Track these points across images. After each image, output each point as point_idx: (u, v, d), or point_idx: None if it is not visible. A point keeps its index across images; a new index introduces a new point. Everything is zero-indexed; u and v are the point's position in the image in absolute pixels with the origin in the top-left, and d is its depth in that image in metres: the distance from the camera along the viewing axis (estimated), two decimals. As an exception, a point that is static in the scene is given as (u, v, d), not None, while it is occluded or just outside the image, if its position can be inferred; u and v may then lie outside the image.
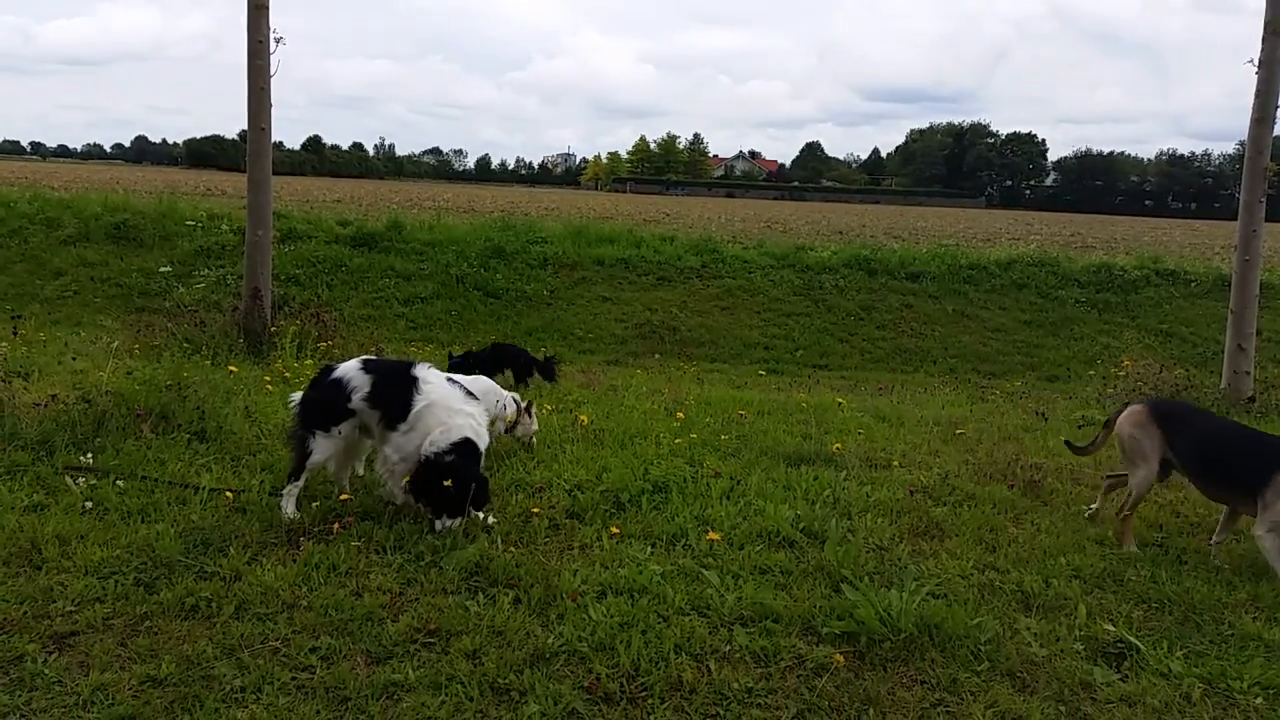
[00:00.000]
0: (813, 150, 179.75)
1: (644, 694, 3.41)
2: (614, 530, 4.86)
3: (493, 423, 5.92)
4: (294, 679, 3.38)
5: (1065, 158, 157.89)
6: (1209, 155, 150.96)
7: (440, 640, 3.70)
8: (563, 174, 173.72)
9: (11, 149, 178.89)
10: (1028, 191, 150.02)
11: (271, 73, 9.94)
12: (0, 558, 4.16)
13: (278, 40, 9.91)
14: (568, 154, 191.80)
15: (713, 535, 4.81)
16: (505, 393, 6.58)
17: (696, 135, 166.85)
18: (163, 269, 16.64)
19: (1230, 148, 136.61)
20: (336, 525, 4.68)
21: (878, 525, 5.23)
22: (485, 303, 17.23)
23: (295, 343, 9.55)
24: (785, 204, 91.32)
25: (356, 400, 4.94)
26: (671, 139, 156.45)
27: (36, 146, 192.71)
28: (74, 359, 8.68)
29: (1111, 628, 4.08)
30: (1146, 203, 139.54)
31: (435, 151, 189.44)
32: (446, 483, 4.60)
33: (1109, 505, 5.67)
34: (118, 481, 5.08)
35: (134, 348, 9.07)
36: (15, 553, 4.21)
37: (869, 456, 6.85)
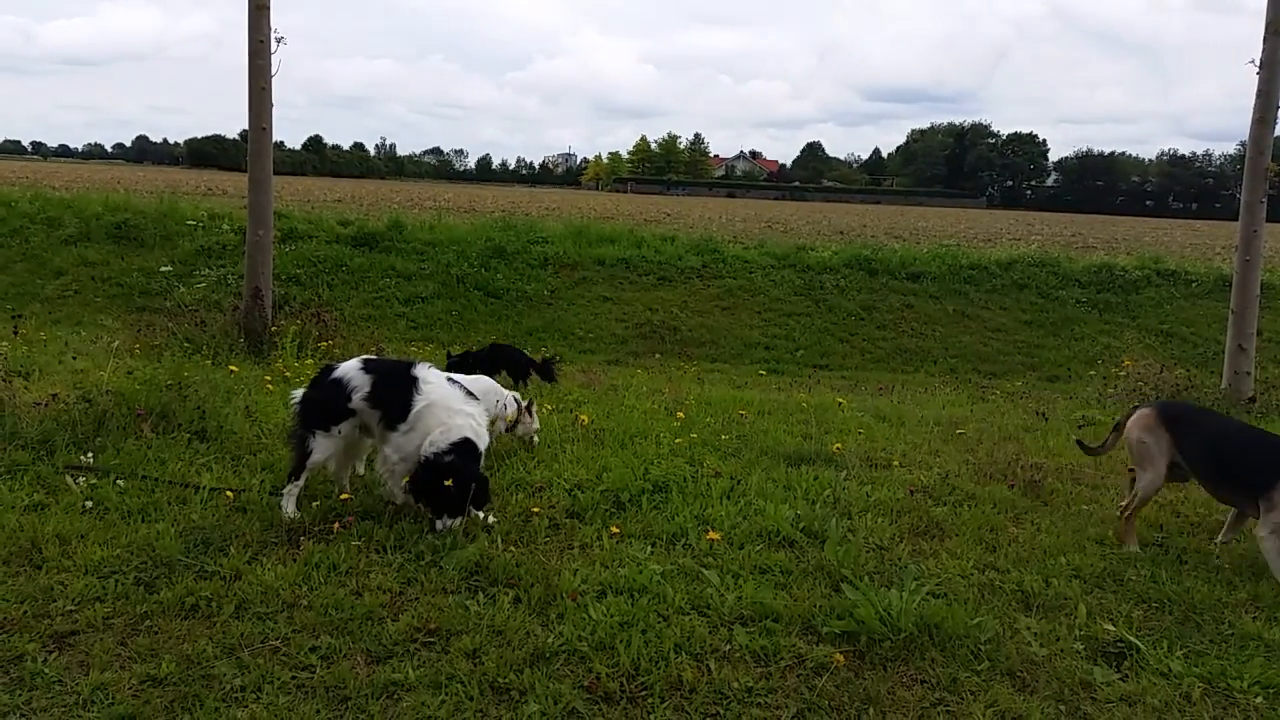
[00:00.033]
0: (813, 150, 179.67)
1: (644, 693, 3.41)
2: (614, 530, 4.86)
3: (493, 422, 5.92)
4: (294, 678, 3.38)
5: (1066, 158, 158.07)
6: (1210, 155, 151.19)
7: (440, 640, 3.70)
8: (563, 174, 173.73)
9: (12, 149, 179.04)
10: (1029, 192, 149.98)
11: (272, 72, 9.95)
12: (0, 557, 4.17)
13: (279, 40, 9.94)
14: (568, 154, 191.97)
15: (713, 535, 4.81)
16: (506, 392, 6.58)
17: (697, 135, 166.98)
18: (163, 269, 16.65)
19: (1231, 148, 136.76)
20: (337, 525, 4.68)
21: (878, 525, 5.23)
22: (486, 303, 17.24)
23: (296, 342, 9.56)
24: (786, 204, 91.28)
25: (357, 400, 4.94)
26: (672, 139, 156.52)
27: (37, 146, 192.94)
28: (74, 358, 8.69)
29: (1111, 627, 4.08)
30: (1147, 203, 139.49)
31: (436, 151, 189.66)
32: (448, 482, 4.60)
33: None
34: (118, 481, 5.08)
35: (134, 347, 9.08)
36: (15, 552, 4.21)
37: (869, 456, 6.85)
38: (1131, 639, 3.95)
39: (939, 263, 20.43)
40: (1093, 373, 12.96)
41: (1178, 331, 18.17)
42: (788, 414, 8.37)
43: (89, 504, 4.78)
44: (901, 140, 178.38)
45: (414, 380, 4.99)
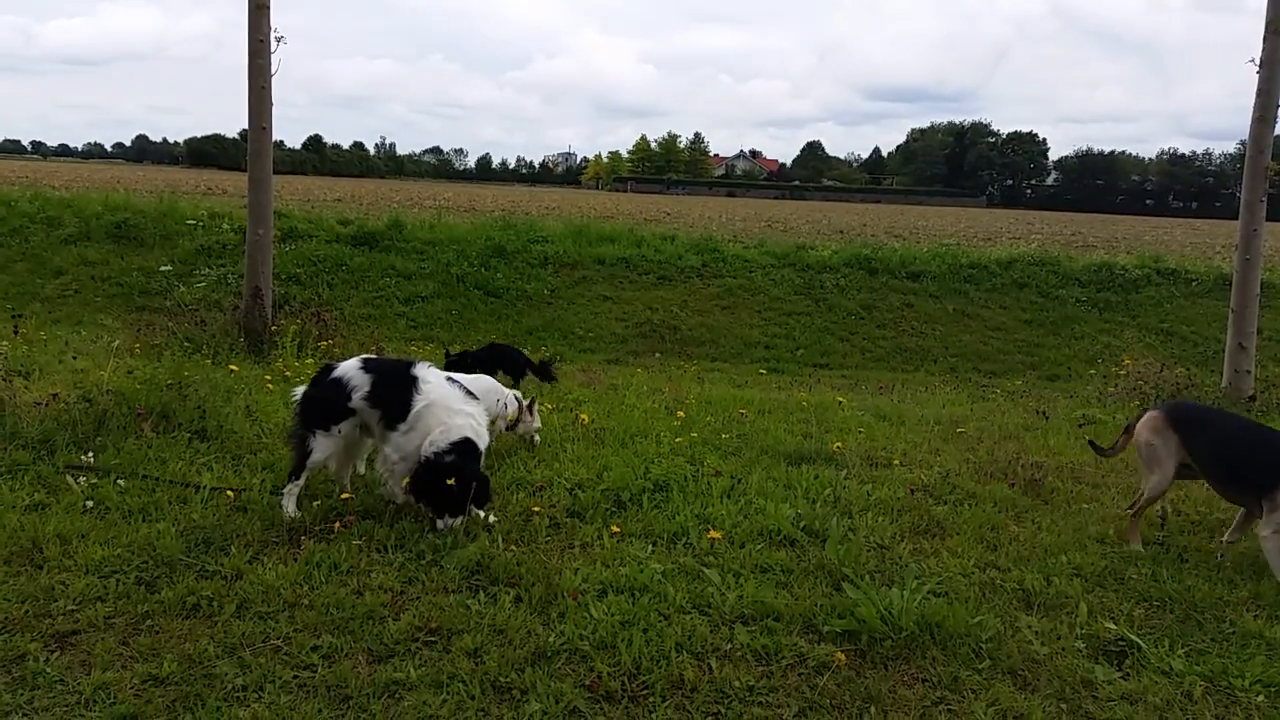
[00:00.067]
0: (813, 149, 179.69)
1: (645, 692, 3.41)
2: (615, 529, 4.86)
3: (493, 422, 5.92)
4: (295, 677, 3.38)
5: (1066, 157, 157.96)
6: (1210, 154, 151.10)
7: (441, 639, 3.70)
8: (563, 173, 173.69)
9: (12, 148, 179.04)
10: (1029, 191, 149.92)
11: (272, 72, 9.94)
12: (2, 557, 4.17)
13: (279, 39, 9.93)
14: (568, 153, 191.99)
15: (714, 534, 4.81)
16: (507, 391, 6.58)
17: (697, 135, 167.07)
18: (163, 268, 16.65)
19: (1231, 147, 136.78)
20: (338, 524, 4.68)
21: (878, 524, 5.23)
22: (486, 302, 17.24)
23: (296, 342, 9.56)
24: (786, 203, 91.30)
25: (356, 399, 4.94)
26: (672, 138, 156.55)
27: (37, 146, 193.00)
28: (75, 358, 8.69)
29: (1113, 626, 4.08)
30: (1147, 202, 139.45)
31: (436, 151, 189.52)
32: (450, 481, 4.60)
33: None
34: (119, 480, 5.08)
35: (135, 347, 9.08)
36: (16, 552, 4.21)
37: (870, 455, 6.85)
38: (1133, 637, 3.95)
39: (939, 262, 20.43)
40: (1093, 372, 12.96)
41: (1178, 330, 18.18)
42: (788, 413, 8.37)
43: (90, 503, 4.77)
44: (901, 139, 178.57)
45: (414, 380, 4.99)
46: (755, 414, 8.16)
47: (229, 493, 5.01)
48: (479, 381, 6.33)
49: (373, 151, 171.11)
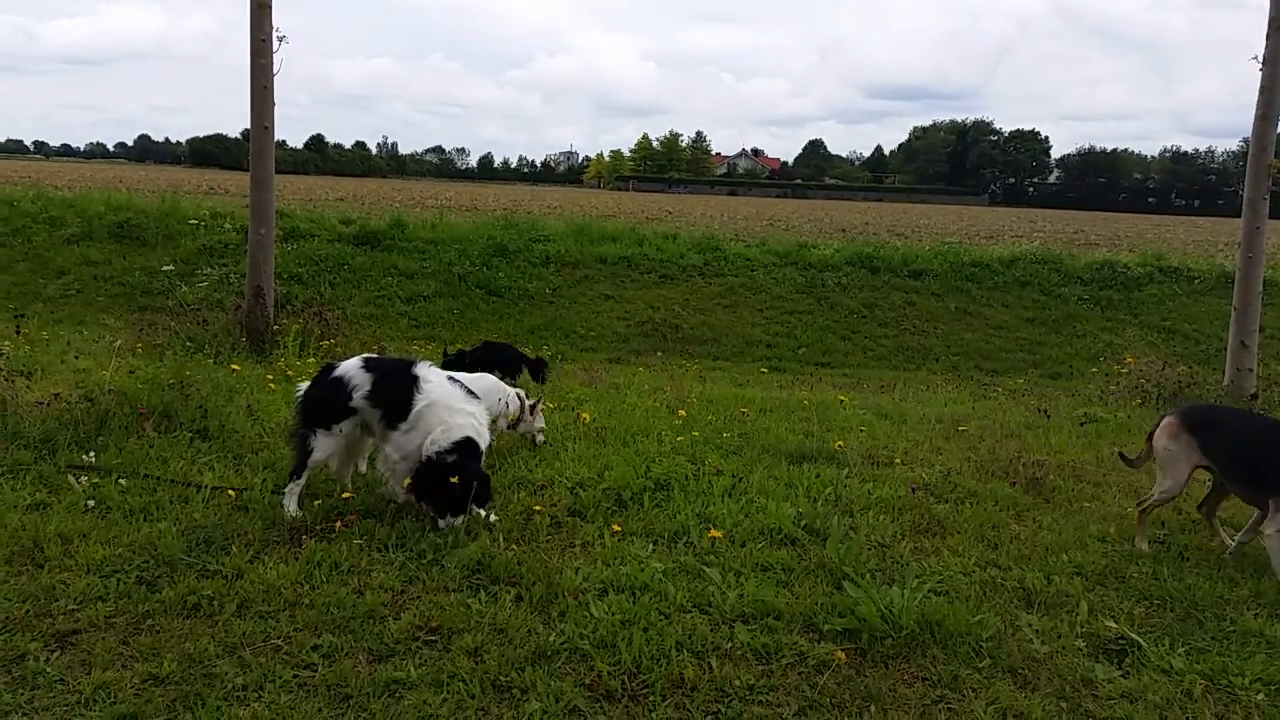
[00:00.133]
0: (815, 148, 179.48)
1: (645, 691, 3.41)
2: (616, 528, 4.86)
3: (494, 421, 5.92)
4: (296, 677, 3.39)
5: (1068, 155, 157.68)
6: (1212, 152, 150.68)
7: (442, 638, 3.70)
8: (565, 172, 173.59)
9: (15, 148, 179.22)
10: (1031, 189, 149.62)
11: (274, 71, 9.95)
12: (3, 556, 4.17)
13: (281, 39, 9.93)
14: (570, 152, 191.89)
15: (714, 533, 4.81)
16: (509, 390, 6.57)
17: (699, 133, 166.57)
18: (165, 268, 16.67)
19: (1234, 144, 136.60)
20: (339, 523, 4.69)
21: (879, 522, 5.23)
22: (488, 301, 17.24)
23: (298, 341, 9.57)
24: (788, 202, 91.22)
25: (357, 399, 4.94)
26: (674, 137, 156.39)
27: (40, 146, 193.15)
28: (77, 358, 8.70)
29: (1113, 624, 4.07)
30: (1150, 200, 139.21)
31: (438, 150, 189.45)
32: (453, 479, 4.60)
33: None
34: (120, 480, 5.09)
35: (137, 346, 9.10)
36: (18, 551, 4.22)
37: (871, 454, 6.85)
38: (1133, 636, 3.95)
39: (941, 260, 20.41)
40: (1095, 370, 12.95)
41: (1180, 328, 18.16)
42: (789, 412, 8.37)
43: (91, 503, 4.78)
44: (904, 138, 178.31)
45: (415, 379, 4.99)
46: (757, 413, 8.16)
47: (230, 492, 5.02)
48: (481, 380, 6.33)
49: (375, 151, 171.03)
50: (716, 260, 19.72)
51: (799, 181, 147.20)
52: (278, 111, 10.22)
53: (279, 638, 3.64)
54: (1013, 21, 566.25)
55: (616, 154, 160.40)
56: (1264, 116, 10.16)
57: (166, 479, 5.17)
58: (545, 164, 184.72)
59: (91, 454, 5.45)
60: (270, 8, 9.87)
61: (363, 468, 5.56)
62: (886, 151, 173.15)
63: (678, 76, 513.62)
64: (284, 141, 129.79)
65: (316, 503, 4.98)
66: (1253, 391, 10.10)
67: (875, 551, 4.80)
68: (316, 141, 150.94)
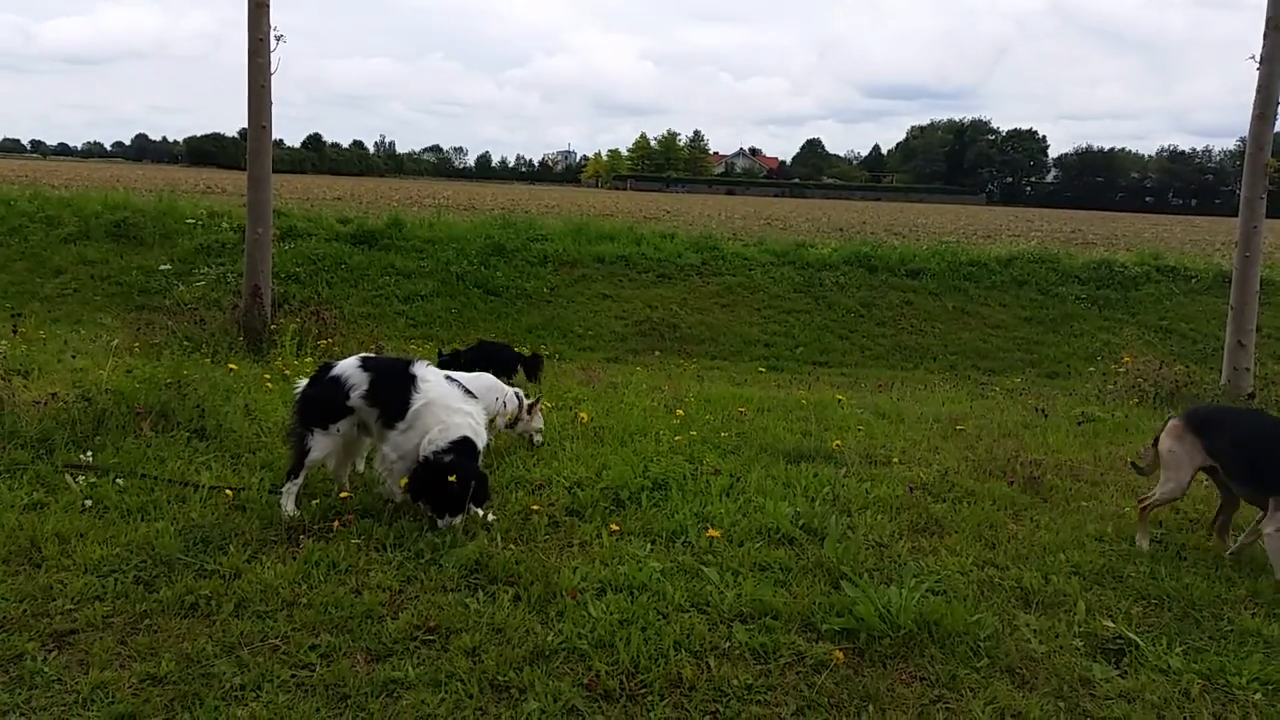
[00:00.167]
0: (813, 147, 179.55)
1: (644, 691, 3.41)
2: (614, 527, 4.86)
3: (492, 420, 5.92)
4: (294, 676, 3.38)
5: (1066, 154, 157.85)
6: (1210, 151, 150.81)
7: (440, 638, 3.70)
8: (563, 171, 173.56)
9: (12, 147, 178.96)
10: (1028, 188, 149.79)
11: (272, 70, 9.94)
12: (0, 555, 4.16)
13: (278, 38, 9.93)
14: (568, 151, 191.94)
15: (712, 532, 4.81)
16: (508, 389, 6.56)
17: (697, 132, 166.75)
18: (163, 267, 16.65)
19: (1231, 144, 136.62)
20: (336, 523, 4.68)
21: (877, 522, 5.23)
22: (485, 300, 17.24)
23: (295, 340, 9.56)
24: (785, 201, 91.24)
25: (355, 398, 4.94)
26: (672, 136, 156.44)
27: (37, 145, 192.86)
28: (74, 357, 8.69)
29: (1111, 624, 4.08)
30: (1147, 199, 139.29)
31: (435, 149, 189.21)
32: (451, 479, 4.60)
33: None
34: (117, 479, 5.08)
35: (134, 346, 9.09)
36: (15, 551, 4.21)
37: (869, 453, 6.85)
38: (1131, 635, 3.96)
39: (938, 259, 20.42)
40: (1092, 369, 12.97)
41: (1177, 328, 18.18)
42: (787, 411, 8.37)
43: (88, 503, 4.77)
44: (901, 137, 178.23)
45: (412, 379, 4.98)
46: (754, 412, 8.16)
47: (228, 491, 5.01)
48: (480, 380, 6.32)
49: (372, 150, 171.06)
50: (714, 259, 19.72)
51: (797, 181, 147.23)
52: (275, 111, 10.22)
53: (277, 637, 3.63)
54: (1011, 21, 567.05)
55: (614, 153, 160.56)
56: (1261, 116, 10.17)
57: (164, 478, 5.17)
58: (543, 163, 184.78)
59: (89, 453, 5.44)
60: (268, 7, 9.87)
61: (360, 467, 5.55)
62: (884, 151, 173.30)
63: (676, 76, 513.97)
64: (281, 141, 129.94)
65: (314, 502, 4.98)
66: (1249, 391, 10.12)
67: (873, 551, 4.80)
68: (314, 141, 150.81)
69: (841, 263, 19.92)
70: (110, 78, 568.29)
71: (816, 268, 19.65)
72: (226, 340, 9.52)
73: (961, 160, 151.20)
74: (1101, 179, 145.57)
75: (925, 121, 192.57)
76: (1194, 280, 20.04)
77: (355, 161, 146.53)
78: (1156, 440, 5.51)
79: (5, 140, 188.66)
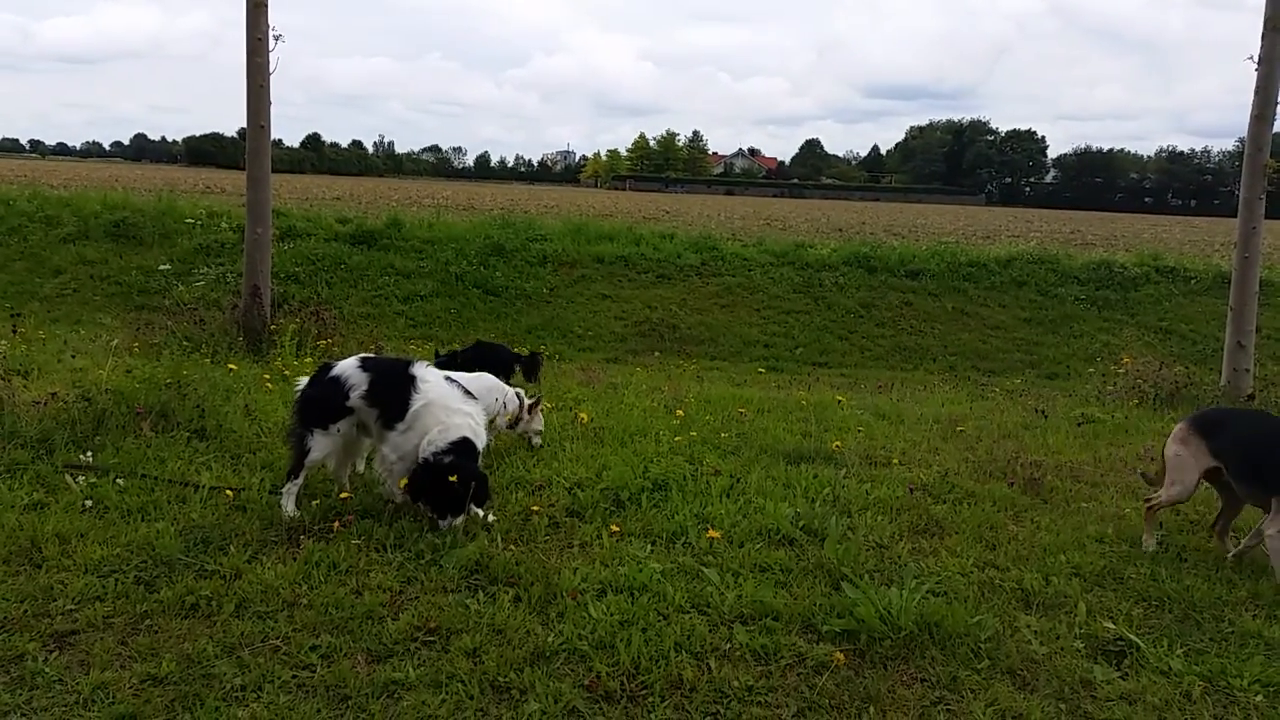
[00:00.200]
0: (812, 147, 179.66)
1: (644, 692, 3.41)
2: (614, 528, 4.86)
3: (492, 421, 5.91)
4: (294, 677, 3.38)
5: (1065, 155, 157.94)
6: (1209, 152, 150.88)
7: (440, 638, 3.70)
8: (562, 171, 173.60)
9: (11, 147, 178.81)
10: (1027, 189, 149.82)
11: (271, 70, 9.93)
12: (0, 556, 4.16)
13: (277, 38, 9.92)
14: (567, 151, 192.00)
15: (713, 533, 4.81)
16: (508, 389, 6.55)
17: (696, 133, 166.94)
18: (162, 267, 16.64)
19: (1230, 144, 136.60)
20: (337, 523, 4.68)
21: (878, 523, 5.23)
22: (485, 300, 17.23)
23: (295, 340, 9.55)
24: (785, 201, 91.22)
25: (354, 398, 4.93)
26: (671, 136, 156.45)
27: (35, 144, 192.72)
28: (73, 357, 8.68)
29: (1112, 625, 4.08)
30: (1146, 200, 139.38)
31: (435, 149, 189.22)
32: (452, 478, 4.59)
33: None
34: (117, 480, 5.08)
35: (133, 346, 9.08)
36: (15, 551, 4.21)
37: (869, 454, 6.85)
38: (1132, 637, 3.95)
39: (938, 260, 20.43)
40: (1092, 370, 12.97)
41: (1176, 329, 18.19)
42: (787, 412, 8.37)
43: (89, 503, 4.77)
44: (900, 137, 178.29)
45: (412, 379, 4.98)
46: (754, 413, 8.16)
47: (228, 492, 5.01)
48: (480, 380, 6.31)
49: (371, 150, 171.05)
50: (713, 260, 19.72)
51: (796, 181, 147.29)
52: (274, 110, 10.21)
53: (277, 638, 3.63)
54: (1010, 21, 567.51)
55: (614, 153, 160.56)
56: (1259, 117, 10.17)
57: (164, 479, 5.16)
58: (542, 163, 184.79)
59: (89, 454, 5.43)
60: (266, 6, 9.86)
61: (360, 468, 5.55)
62: (883, 151, 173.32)
63: (675, 76, 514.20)
64: (280, 140, 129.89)
65: (314, 503, 4.98)
66: (1249, 392, 10.12)
67: (873, 552, 4.80)
68: (313, 140, 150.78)
69: (841, 263, 19.92)
70: (109, 77, 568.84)
71: (816, 268, 19.66)
72: (226, 340, 9.51)
73: (960, 161, 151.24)
74: (1100, 179, 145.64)
75: (924, 122, 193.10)
76: (1193, 281, 20.06)
77: (354, 161, 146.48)
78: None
79: (4, 140, 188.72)
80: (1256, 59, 10.09)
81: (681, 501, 5.33)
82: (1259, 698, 3.58)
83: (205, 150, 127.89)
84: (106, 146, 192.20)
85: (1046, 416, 8.85)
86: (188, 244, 17.80)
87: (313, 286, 16.23)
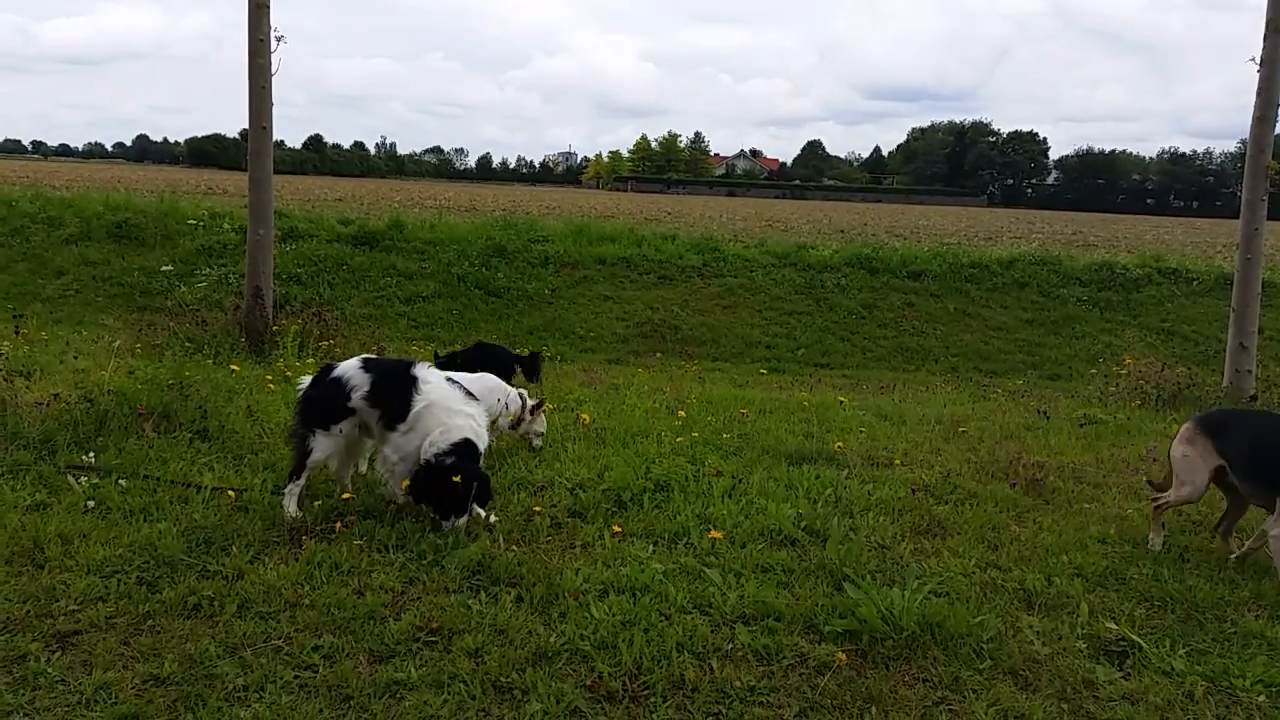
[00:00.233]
0: (814, 149, 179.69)
1: (646, 692, 3.41)
2: (616, 529, 4.86)
3: (494, 422, 5.91)
4: (296, 678, 3.38)
5: (1067, 156, 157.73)
6: (1210, 153, 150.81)
7: (442, 639, 3.70)
8: (564, 173, 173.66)
9: (13, 148, 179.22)
10: (1029, 190, 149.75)
11: (273, 71, 9.94)
12: (3, 557, 4.17)
13: (279, 38, 9.93)
14: (569, 153, 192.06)
15: (715, 534, 4.80)
16: (511, 390, 6.55)
17: (698, 134, 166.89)
18: (164, 268, 16.66)
19: (1232, 146, 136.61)
20: (339, 524, 4.68)
21: (880, 524, 5.23)
22: (487, 301, 17.25)
23: (297, 341, 9.57)
24: (786, 202, 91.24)
25: (356, 399, 4.94)
26: (673, 138, 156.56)
27: (38, 145, 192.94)
28: (76, 358, 8.69)
29: (1114, 626, 4.07)
30: (1148, 201, 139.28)
31: (436, 150, 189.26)
32: (456, 478, 4.60)
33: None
34: (120, 480, 5.08)
35: (136, 347, 9.09)
36: (18, 552, 4.22)
37: (871, 455, 6.85)
38: (1134, 637, 3.95)
39: (940, 261, 20.43)
40: (1094, 371, 12.96)
41: (1179, 330, 18.18)
42: (789, 413, 8.37)
43: (91, 504, 4.78)
44: (902, 139, 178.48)
45: (413, 380, 4.98)
46: (756, 414, 8.16)
47: (230, 493, 5.01)
48: (482, 380, 6.31)
49: (373, 151, 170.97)
50: (715, 261, 19.73)
51: (798, 182, 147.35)
52: (276, 111, 10.22)
53: (280, 638, 3.63)
54: (1011, 23, 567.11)
55: (615, 154, 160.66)
56: (1261, 118, 10.17)
57: (166, 479, 5.17)
58: (544, 164, 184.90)
59: (91, 454, 5.44)
60: (268, 8, 9.87)
61: (363, 468, 5.56)
62: (885, 152, 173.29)
63: (676, 77, 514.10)
64: (282, 141, 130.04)
65: (316, 503, 4.98)
66: (1251, 393, 10.12)
67: (875, 553, 4.80)
68: (315, 141, 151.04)
69: (843, 264, 19.92)
70: (111, 78, 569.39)
71: (818, 269, 19.66)
72: (228, 341, 9.52)
73: (962, 162, 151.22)
74: (1102, 181, 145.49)
75: (926, 123, 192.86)
76: (1195, 282, 20.05)
77: (356, 163, 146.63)
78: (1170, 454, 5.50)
79: (6, 141, 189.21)
80: (1258, 60, 10.09)
81: (683, 502, 5.33)
82: (1261, 698, 3.57)
83: (207, 151, 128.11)
84: (109, 147, 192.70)
85: (1049, 417, 8.85)
86: (190, 245, 17.82)
87: (315, 287, 16.25)
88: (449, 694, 3.33)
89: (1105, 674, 3.70)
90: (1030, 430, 8.33)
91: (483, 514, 4.87)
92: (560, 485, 5.57)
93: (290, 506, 4.86)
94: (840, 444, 6.92)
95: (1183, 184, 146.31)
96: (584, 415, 7.31)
